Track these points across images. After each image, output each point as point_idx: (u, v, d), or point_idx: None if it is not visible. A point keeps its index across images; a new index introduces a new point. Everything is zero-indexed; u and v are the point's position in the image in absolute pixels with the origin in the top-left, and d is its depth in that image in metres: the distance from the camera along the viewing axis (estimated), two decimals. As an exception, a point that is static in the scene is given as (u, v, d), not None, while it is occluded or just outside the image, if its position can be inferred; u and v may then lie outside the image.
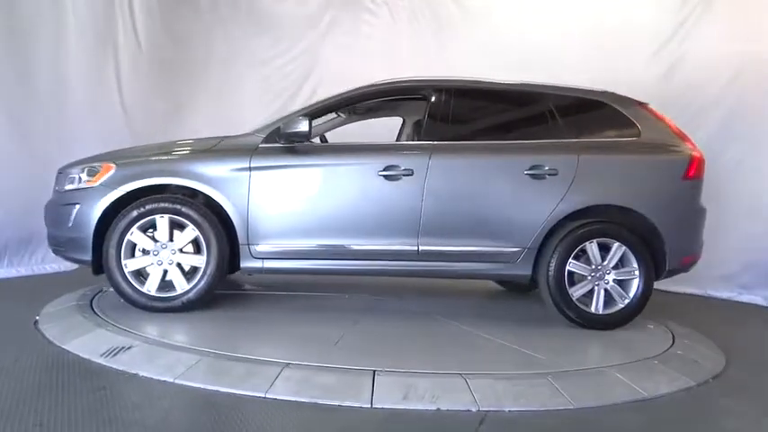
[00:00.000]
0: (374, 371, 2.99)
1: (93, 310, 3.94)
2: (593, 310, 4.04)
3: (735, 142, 4.90)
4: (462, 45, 7.11)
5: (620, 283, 4.06)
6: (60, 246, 4.10)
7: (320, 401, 2.76)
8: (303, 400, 2.77)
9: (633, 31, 6.18)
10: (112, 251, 3.86)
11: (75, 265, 5.75)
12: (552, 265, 4.01)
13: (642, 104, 4.35)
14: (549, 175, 4.01)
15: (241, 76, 7.16)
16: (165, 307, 3.88)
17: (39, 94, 5.65)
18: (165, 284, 3.93)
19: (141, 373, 2.98)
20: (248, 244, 3.95)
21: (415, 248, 4.00)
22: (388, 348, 3.47)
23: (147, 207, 3.87)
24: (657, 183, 4.15)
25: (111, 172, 3.94)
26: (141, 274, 3.97)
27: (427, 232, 3.99)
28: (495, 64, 6.09)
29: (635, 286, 4.04)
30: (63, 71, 5.83)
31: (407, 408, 2.75)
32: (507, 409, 2.78)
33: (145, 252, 3.92)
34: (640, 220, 4.06)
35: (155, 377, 2.95)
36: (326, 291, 4.83)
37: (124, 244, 3.87)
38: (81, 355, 3.22)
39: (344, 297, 4.71)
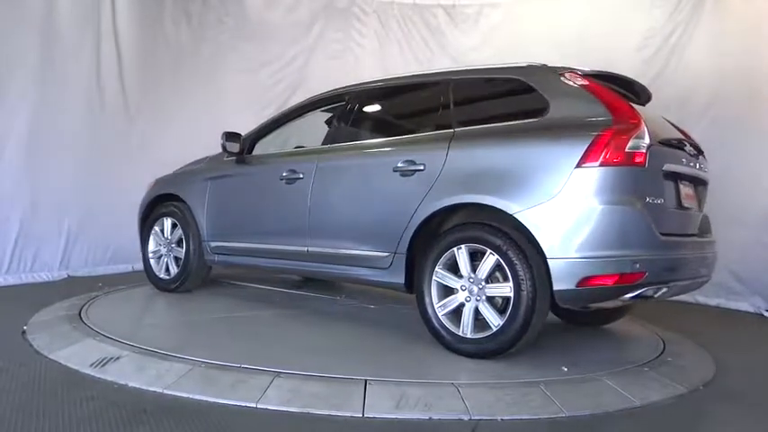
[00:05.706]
0: (366, 380, 2.97)
1: (81, 319, 3.92)
2: (461, 331, 3.38)
3: (720, 151, 4.93)
4: (452, 51, 7.16)
5: (500, 302, 3.32)
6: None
7: (312, 411, 2.74)
8: (294, 410, 2.75)
9: (620, 44, 6.25)
10: (144, 242, 5.14)
11: (65, 275, 5.74)
12: (420, 274, 3.53)
13: (572, 73, 3.49)
14: (417, 171, 3.61)
15: (232, 84, 7.15)
16: (164, 287, 4.98)
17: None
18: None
19: (131, 384, 2.95)
20: (206, 241, 4.75)
21: (306, 249, 4.14)
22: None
23: (160, 212, 5.07)
24: (538, 174, 3.20)
25: (152, 184, 5.26)
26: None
27: (313, 234, 4.10)
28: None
29: (509, 307, 3.23)
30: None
31: (399, 417, 2.73)
32: (499, 418, 2.77)
33: (159, 245, 5.07)
34: (513, 223, 3.24)
35: (144, 387, 2.91)
36: (314, 293, 4.82)
37: (151, 237, 5.09)
38: (69, 365, 3.19)
39: (336, 300, 4.79)
